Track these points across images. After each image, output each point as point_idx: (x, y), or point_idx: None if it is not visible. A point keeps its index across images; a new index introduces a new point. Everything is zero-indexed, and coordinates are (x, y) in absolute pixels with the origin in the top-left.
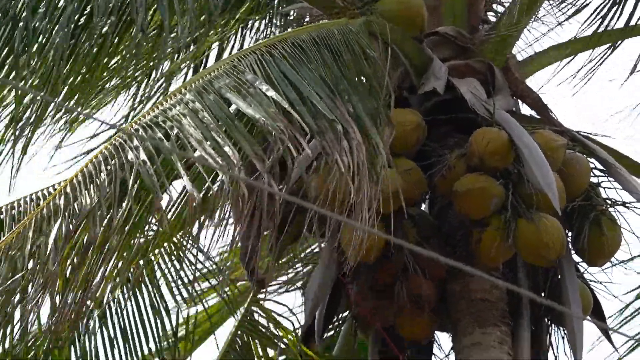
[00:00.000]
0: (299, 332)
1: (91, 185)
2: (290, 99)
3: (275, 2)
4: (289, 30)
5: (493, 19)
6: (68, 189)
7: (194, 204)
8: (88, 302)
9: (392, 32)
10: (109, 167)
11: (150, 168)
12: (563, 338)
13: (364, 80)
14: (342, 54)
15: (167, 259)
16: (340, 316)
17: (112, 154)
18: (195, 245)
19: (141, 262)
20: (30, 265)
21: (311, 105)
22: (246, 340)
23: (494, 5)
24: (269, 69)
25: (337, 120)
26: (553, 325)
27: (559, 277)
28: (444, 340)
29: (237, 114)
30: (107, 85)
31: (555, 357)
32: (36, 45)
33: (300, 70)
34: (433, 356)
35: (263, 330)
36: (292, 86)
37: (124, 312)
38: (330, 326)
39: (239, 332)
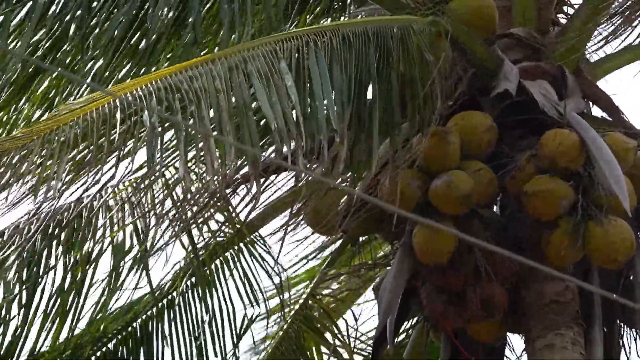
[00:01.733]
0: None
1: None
2: (307, 102)
3: (348, 2)
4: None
5: (563, 21)
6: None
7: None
8: None
9: (462, 34)
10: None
11: None
12: (635, 339)
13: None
14: (392, 53)
15: (235, 260)
16: (412, 317)
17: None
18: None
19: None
20: None
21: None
22: (298, 335)
23: (565, 7)
24: (307, 60)
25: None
26: (625, 326)
27: (631, 278)
28: (516, 342)
29: (255, 100)
30: None
31: (628, 358)
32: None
33: (334, 69)
34: (505, 358)
35: (317, 325)
36: (317, 84)
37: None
38: (402, 328)
39: (292, 326)
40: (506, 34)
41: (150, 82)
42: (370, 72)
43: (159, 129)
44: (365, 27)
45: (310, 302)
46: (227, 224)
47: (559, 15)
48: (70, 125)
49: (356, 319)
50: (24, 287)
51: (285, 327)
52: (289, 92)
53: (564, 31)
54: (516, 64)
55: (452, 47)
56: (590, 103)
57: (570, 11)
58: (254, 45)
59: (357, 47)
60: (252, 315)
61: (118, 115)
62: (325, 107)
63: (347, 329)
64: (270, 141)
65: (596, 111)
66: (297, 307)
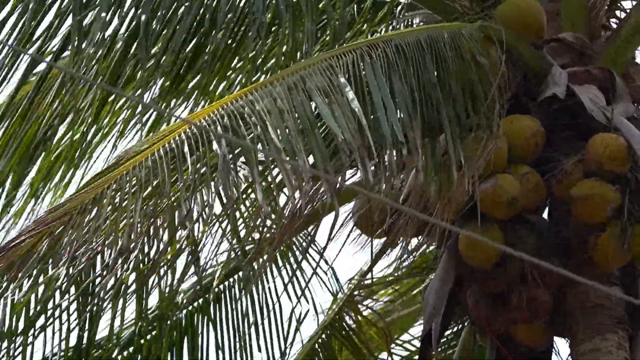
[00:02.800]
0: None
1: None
2: (370, 113)
3: (398, 10)
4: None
5: (614, 25)
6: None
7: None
8: None
9: (511, 38)
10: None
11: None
12: None
13: (469, 88)
14: (448, 60)
15: (282, 259)
16: (459, 323)
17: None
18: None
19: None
20: None
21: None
22: (330, 344)
23: (617, 12)
24: (364, 72)
25: (403, 144)
26: None
27: None
28: (561, 346)
29: (318, 116)
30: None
31: None
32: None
33: (393, 79)
34: None
35: (351, 333)
36: (377, 95)
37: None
38: (449, 332)
39: (325, 335)
40: (555, 39)
41: (212, 111)
42: (431, 80)
43: (229, 156)
44: (417, 37)
45: (345, 309)
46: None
47: (612, 20)
48: (141, 167)
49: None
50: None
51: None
52: (351, 105)
53: (614, 36)
54: (565, 69)
55: (500, 52)
56: None
57: (622, 15)
58: (309, 63)
59: (412, 56)
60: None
61: (185, 148)
62: (387, 117)
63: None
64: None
65: None
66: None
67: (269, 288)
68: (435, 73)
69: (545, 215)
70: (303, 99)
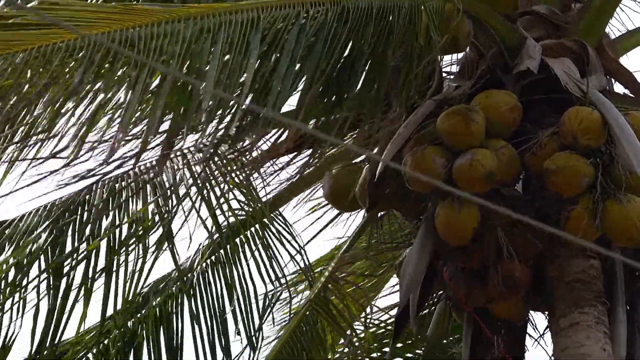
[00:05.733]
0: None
1: None
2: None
3: None
4: None
5: None
6: None
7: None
8: None
9: (483, 11)
10: None
11: None
12: None
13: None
14: (393, 32)
15: (257, 240)
16: (435, 297)
17: None
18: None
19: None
20: None
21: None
22: (314, 321)
23: None
24: (287, 34)
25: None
26: None
27: None
28: (539, 320)
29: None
30: None
31: None
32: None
33: (318, 41)
34: (527, 336)
35: (334, 311)
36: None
37: (211, 290)
38: (425, 307)
39: (309, 312)
40: (528, 11)
41: (107, 31)
42: (362, 50)
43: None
44: (371, 2)
45: (329, 285)
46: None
47: None
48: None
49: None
50: (49, 270)
51: (302, 310)
52: (246, 71)
53: (586, 7)
54: (538, 42)
55: (473, 25)
56: (613, 80)
57: None
58: (239, 7)
59: (353, 22)
60: (273, 296)
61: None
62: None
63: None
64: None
65: (618, 88)
66: (315, 290)
67: (243, 272)
68: (370, 43)
69: (519, 188)
70: (206, 48)
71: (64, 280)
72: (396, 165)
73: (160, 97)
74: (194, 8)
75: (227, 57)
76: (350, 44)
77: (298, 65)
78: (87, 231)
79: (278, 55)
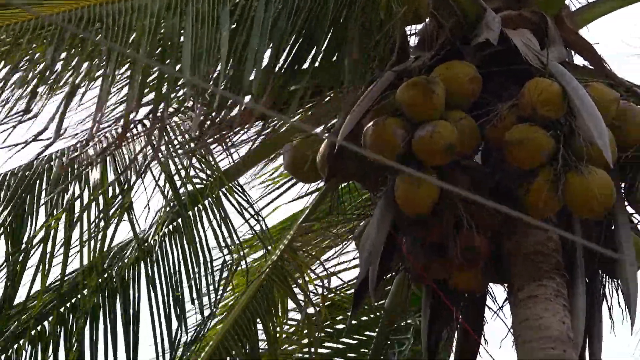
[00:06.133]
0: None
1: None
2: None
3: None
4: None
5: None
6: None
7: None
8: None
9: None
10: None
11: None
12: (617, 289)
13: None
14: (354, 4)
15: (214, 208)
16: (393, 269)
17: None
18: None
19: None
20: None
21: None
22: (270, 289)
23: None
24: (260, 3)
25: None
26: (607, 276)
27: (613, 229)
28: (497, 292)
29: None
30: None
31: (609, 308)
32: None
33: (282, 14)
34: (486, 308)
35: (288, 279)
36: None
37: (168, 258)
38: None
39: (265, 281)
40: None
41: (74, 8)
42: (323, 21)
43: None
44: None
45: (285, 255)
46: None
47: None
48: None
49: (329, 273)
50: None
51: (260, 279)
52: (219, 44)
53: None
54: (498, 13)
55: None
56: (572, 52)
57: None
58: None
59: None
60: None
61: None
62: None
63: (323, 283)
64: None
65: (578, 60)
66: (273, 259)
67: (200, 240)
68: (332, 14)
69: (478, 160)
70: (176, 23)
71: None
72: (350, 145)
73: (136, 72)
74: None
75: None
76: (311, 15)
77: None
78: (46, 200)
79: (248, 28)
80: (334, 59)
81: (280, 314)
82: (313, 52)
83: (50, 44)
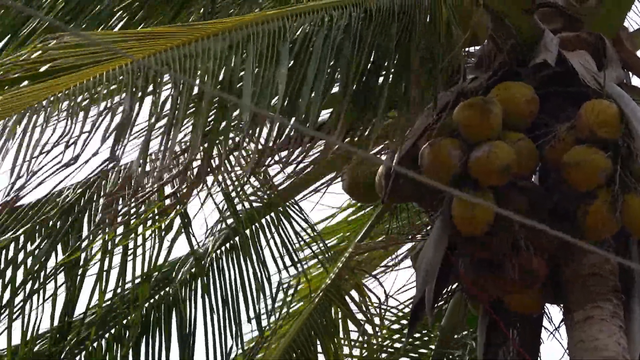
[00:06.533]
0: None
1: None
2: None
3: None
4: None
5: None
6: None
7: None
8: None
9: (500, 3)
10: None
11: None
12: None
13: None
14: (417, 27)
15: (272, 227)
16: (450, 289)
17: None
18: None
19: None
20: None
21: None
22: (328, 309)
23: None
24: (314, 39)
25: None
26: None
27: None
28: (554, 313)
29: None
30: None
31: None
32: None
33: (345, 44)
34: (543, 329)
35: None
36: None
37: (226, 278)
38: (440, 299)
39: (323, 300)
40: (545, 3)
41: (142, 57)
42: (388, 48)
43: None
44: (393, 1)
45: (344, 274)
46: (262, 189)
47: None
48: (81, 89)
49: (387, 294)
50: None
51: (317, 299)
52: (278, 81)
53: None
54: (555, 34)
55: (490, 18)
56: (630, 73)
57: None
58: (265, 18)
59: (377, 22)
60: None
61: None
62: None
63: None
64: None
65: (636, 81)
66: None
67: (257, 259)
68: (396, 41)
69: (535, 181)
70: (237, 63)
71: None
72: (403, 169)
73: (200, 115)
74: (219, 24)
75: (256, 69)
76: (376, 44)
77: (329, 71)
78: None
79: (307, 61)
80: (402, 85)
81: (339, 334)
82: (381, 79)
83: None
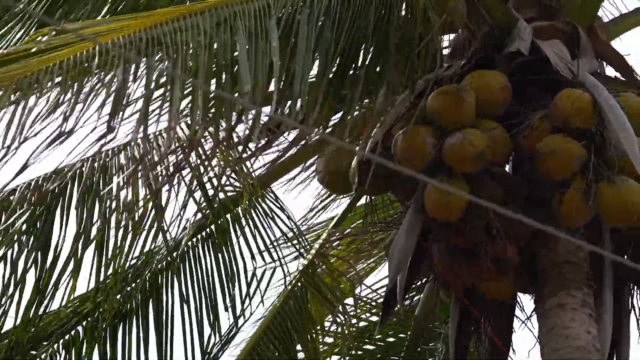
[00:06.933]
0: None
1: None
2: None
3: None
4: None
5: None
6: None
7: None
8: None
9: None
10: None
11: None
12: None
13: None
14: (394, 11)
15: (247, 216)
16: (422, 277)
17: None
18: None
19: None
20: None
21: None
22: (301, 296)
23: None
24: (299, 16)
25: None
26: (636, 287)
27: None
28: (526, 302)
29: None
30: None
31: (638, 319)
32: None
33: (325, 25)
34: (515, 318)
35: (322, 286)
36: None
37: (201, 265)
38: (414, 288)
39: (297, 287)
40: None
41: (133, 32)
42: (366, 30)
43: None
44: None
45: (316, 261)
46: (237, 178)
47: None
48: (45, 72)
49: (361, 281)
50: (37, 244)
51: (290, 286)
52: (271, 55)
53: None
54: (530, 23)
55: (465, 4)
56: (604, 62)
57: None
58: None
59: (355, 5)
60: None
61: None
62: (302, 73)
63: (354, 290)
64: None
65: (609, 71)
66: (303, 265)
67: (233, 248)
68: (373, 25)
69: (509, 170)
70: (228, 39)
71: (51, 254)
72: (378, 158)
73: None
74: (204, 3)
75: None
76: (355, 27)
77: (313, 49)
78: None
79: (294, 40)
80: (378, 69)
81: (313, 321)
82: (359, 61)
83: (118, 66)
